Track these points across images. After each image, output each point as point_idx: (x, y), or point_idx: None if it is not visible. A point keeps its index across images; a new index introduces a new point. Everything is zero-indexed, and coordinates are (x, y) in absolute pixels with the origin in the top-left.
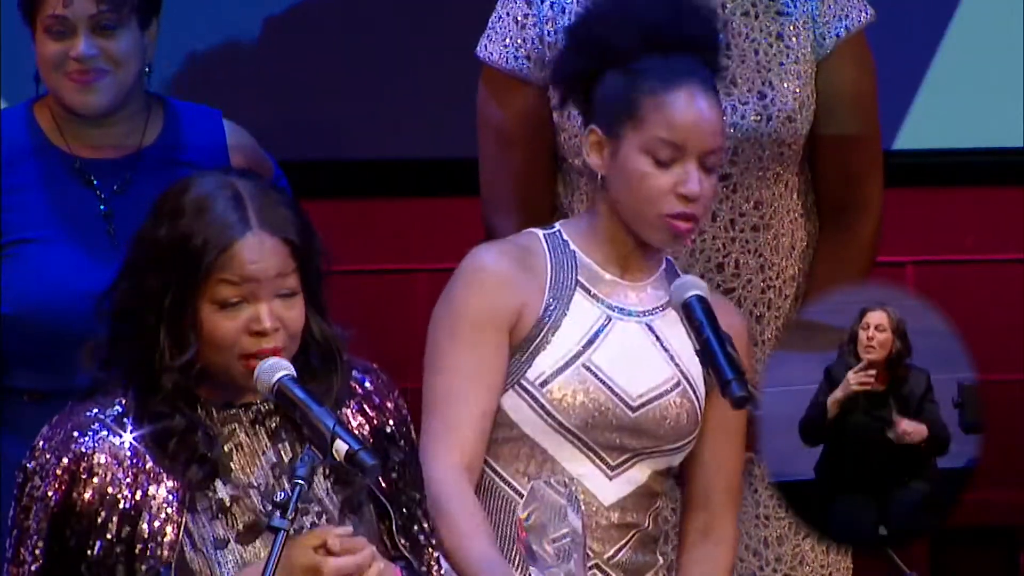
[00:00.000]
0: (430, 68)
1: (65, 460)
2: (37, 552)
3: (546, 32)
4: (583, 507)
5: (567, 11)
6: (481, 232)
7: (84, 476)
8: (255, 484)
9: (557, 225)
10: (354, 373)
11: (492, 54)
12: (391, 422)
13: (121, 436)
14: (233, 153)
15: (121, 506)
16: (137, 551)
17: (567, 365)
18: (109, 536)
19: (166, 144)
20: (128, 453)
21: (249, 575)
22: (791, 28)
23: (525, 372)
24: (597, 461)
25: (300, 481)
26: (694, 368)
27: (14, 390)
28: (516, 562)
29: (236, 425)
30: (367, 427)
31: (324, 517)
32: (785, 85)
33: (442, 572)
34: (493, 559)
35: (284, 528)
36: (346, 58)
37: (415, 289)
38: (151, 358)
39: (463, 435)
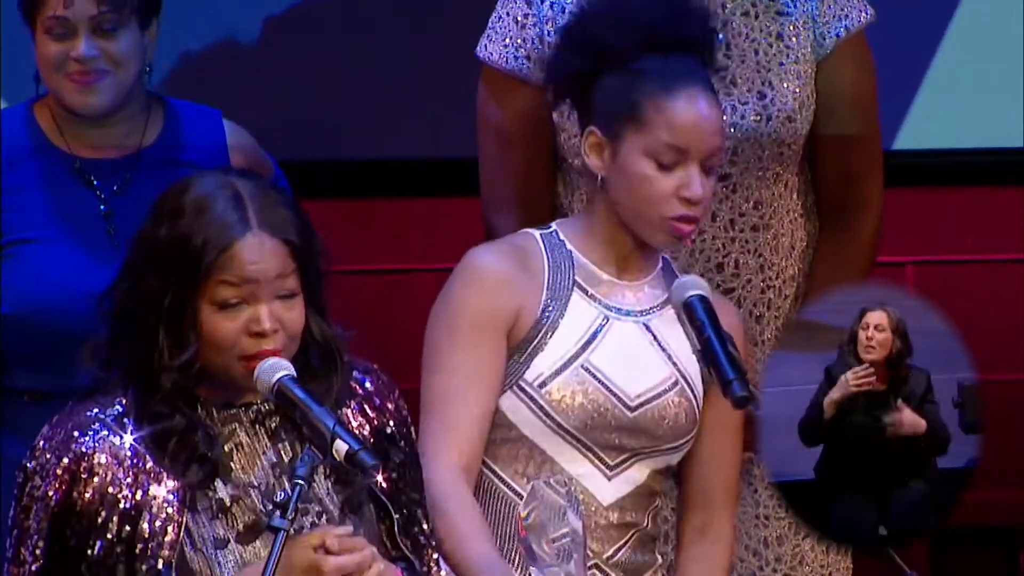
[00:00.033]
0: (430, 68)
1: (65, 460)
2: (37, 552)
3: (546, 32)
4: (582, 507)
5: (567, 11)
6: (481, 232)
7: (84, 476)
8: (255, 484)
9: (553, 225)
10: (355, 374)
11: (492, 54)
12: (391, 423)
13: (121, 436)
14: (233, 153)
15: (121, 506)
16: (137, 551)
17: (565, 366)
18: (109, 536)
19: (166, 144)
20: (128, 453)
21: (249, 575)
22: (791, 28)
23: (523, 373)
24: (596, 461)
25: (300, 481)
26: (692, 367)
27: (14, 390)
28: (516, 563)
29: (236, 425)
30: (367, 428)
31: (324, 517)
32: (785, 85)
33: (442, 574)
34: (493, 560)
35: (284, 528)
36: (346, 58)
37: (415, 289)
38: (151, 358)
39: (462, 435)
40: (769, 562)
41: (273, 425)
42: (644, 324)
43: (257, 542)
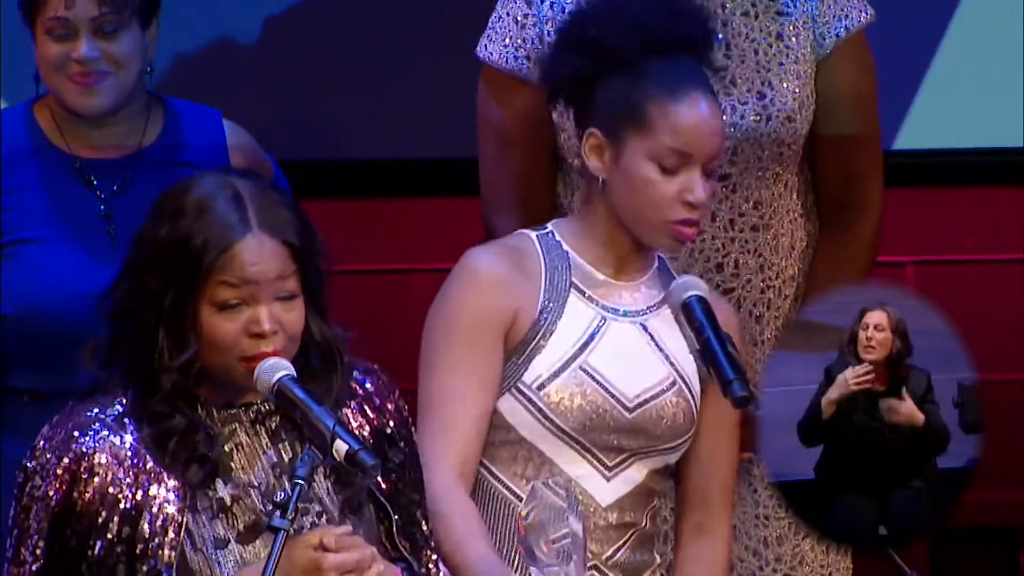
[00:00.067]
0: (430, 68)
1: (66, 460)
2: (38, 552)
3: (546, 32)
4: (581, 508)
5: (567, 11)
6: (481, 232)
7: (85, 476)
8: (255, 484)
9: (549, 226)
10: (355, 374)
11: (492, 54)
12: (391, 423)
13: (122, 436)
14: (233, 153)
15: (122, 506)
16: (138, 551)
17: (564, 368)
18: (110, 536)
19: (166, 144)
20: (129, 453)
21: (249, 575)
22: (791, 28)
23: (522, 375)
24: (594, 462)
25: (300, 481)
26: (689, 367)
27: (14, 390)
28: (515, 564)
29: (236, 425)
30: (367, 428)
31: (324, 517)
32: (785, 85)
33: (441, 575)
34: (492, 561)
35: (284, 528)
36: (346, 58)
37: (414, 289)
38: (151, 358)
39: (460, 436)
40: (769, 562)
41: (273, 425)
42: (641, 324)
43: (257, 542)
